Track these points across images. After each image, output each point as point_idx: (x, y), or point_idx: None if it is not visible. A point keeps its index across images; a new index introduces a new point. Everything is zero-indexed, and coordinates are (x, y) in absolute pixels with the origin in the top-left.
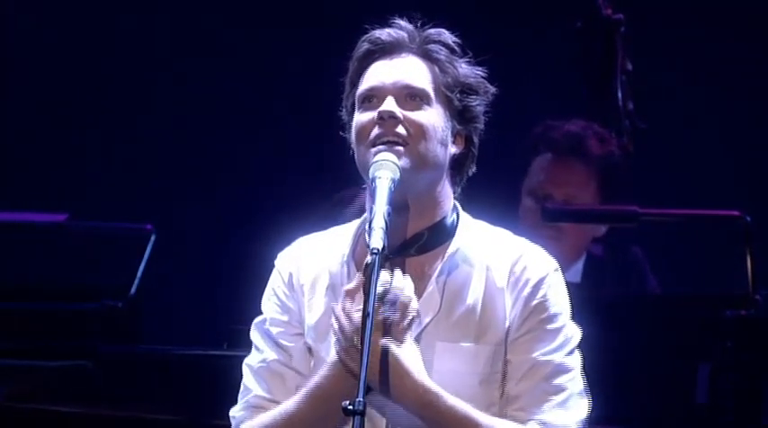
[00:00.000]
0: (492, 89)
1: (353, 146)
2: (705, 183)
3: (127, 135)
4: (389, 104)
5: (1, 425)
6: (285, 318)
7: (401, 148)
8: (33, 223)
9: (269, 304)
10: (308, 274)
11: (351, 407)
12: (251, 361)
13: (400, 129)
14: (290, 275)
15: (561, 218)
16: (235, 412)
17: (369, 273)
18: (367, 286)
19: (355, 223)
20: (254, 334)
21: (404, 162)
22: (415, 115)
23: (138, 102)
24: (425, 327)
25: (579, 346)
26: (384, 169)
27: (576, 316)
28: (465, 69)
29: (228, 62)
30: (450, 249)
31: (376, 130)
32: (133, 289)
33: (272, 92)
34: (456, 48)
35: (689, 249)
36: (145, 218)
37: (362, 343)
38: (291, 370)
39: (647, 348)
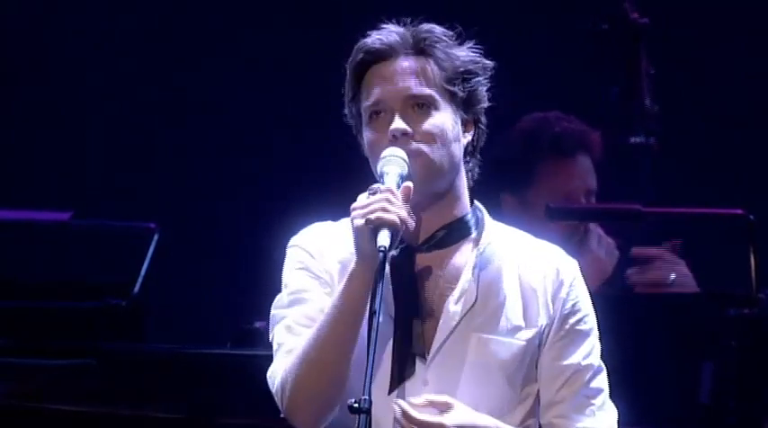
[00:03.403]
0: (491, 64)
1: (368, 158)
2: (708, 182)
3: (130, 133)
4: (399, 122)
5: (4, 424)
6: (319, 284)
7: (418, 159)
8: (37, 221)
9: (298, 277)
10: (334, 256)
11: (356, 405)
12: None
13: (414, 144)
14: (320, 255)
15: (565, 217)
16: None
17: (376, 271)
18: (374, 285)
19: None
20: (280, 308)
21: (423, 172)
22: (426, 125)
23: (142, 100)
24: (462, 319)
25: None
26: (392, 165)
27: None
28: (462, 56)
29: (231, 60)
30: (483, 244)
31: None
32: (136, 288)
33: (275, 89)
34: (448, 39)
35: (692, 248)
36: (148, 217)
37: (369, 344)
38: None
39: (650, 347)
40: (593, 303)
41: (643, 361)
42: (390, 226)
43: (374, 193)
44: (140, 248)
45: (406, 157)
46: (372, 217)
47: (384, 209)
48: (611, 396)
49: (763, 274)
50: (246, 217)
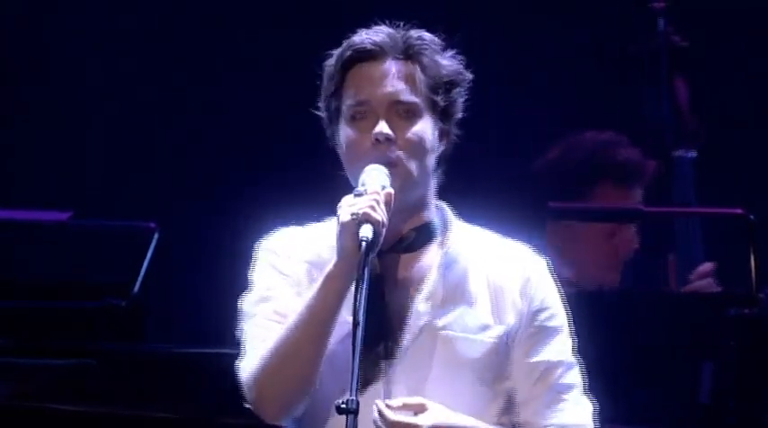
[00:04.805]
0: (469, 76)
1: (344, 158)
2: (708, 182)
3: (130, 132)
4: (384, 126)
5: (4, 424)
6: (287, 284)
7: (395, 169)
8: (37, 221)
9: (267, 276)
10: (302, 257)
11: (344, 406)
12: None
13: (395, 150)
14: (287, 256)
15: (567, 216)
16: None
17: (360, 262)
18: (357, 275)
19: (335, 218)
20: (249, 305)
21: (399, 182)
22: (409, 133)
23: (142, 99)
24: (429, 318)
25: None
26: (374, 177)
27: (579, 316)
28: (447, 66)
29: (231, 60)
30: (448, 244)
31: (372, 153)
32: (136, 288)
33: (275, 89)
34: (436, 46)
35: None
36: (148, 217)
37: (354, 344)
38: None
39: (650, 347)
40: (591, 302)
41: (643, 361)
42: (374, 223)
43: (360, 195)
44: (140, 248)
45: (387, 172)
46: (360, 212)
47: (372, 208)
48: (612, 396)
49: (763, 274)
50: (247, 217)
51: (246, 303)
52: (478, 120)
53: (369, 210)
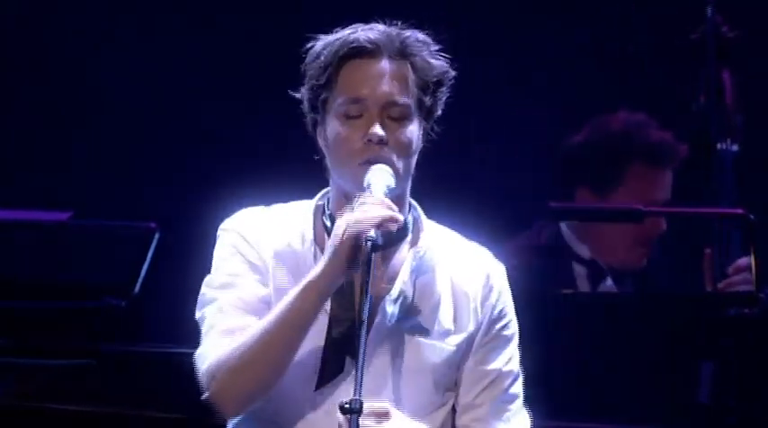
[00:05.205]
0: (453, 73)
1: (331, 153)
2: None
3: (130, 132)
4: (378, 129)
5: (4, 424)
6: (253, 271)
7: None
8: (36, 221)
9: (232, 261)
10: (269, 245)
11: (348, 406)
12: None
13: (386, 151)
14: (255, 242)
15: (566, 216)
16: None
17: (363, 262)
18: (363, 274)
19: (304, 204)
20: (211, 289)
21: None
22: (400, 134)
23: (142, 99)
24: (397, 320)
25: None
26: (379, 177)
27: (581, 316)
28: (436, 66)
29: (231, 59)
30: (420, 244)
31: (364, 153)
32: (136, 288)
33: (276, 89)
34: (428, 46)
35: (692, 247)
36: (148, 217)
37: (358, 347)
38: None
39: (650, 347)
40: (594, 303)
41: (643, 361)
42: (379, 227)
43: (363, 204)
44: (140, 248)
45: (392, 172)
46: (371, 223)
47: (374, 217)
48: (611, 396)
49: (764, 274)
50: None
51: (208, 287)
52: (479, 120)
53: (373, 222)
